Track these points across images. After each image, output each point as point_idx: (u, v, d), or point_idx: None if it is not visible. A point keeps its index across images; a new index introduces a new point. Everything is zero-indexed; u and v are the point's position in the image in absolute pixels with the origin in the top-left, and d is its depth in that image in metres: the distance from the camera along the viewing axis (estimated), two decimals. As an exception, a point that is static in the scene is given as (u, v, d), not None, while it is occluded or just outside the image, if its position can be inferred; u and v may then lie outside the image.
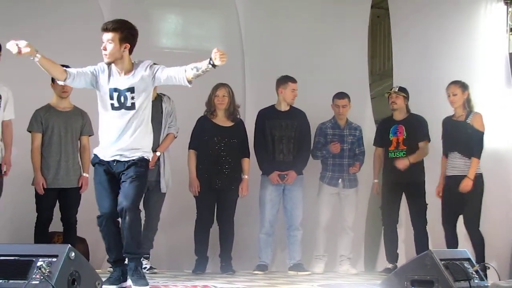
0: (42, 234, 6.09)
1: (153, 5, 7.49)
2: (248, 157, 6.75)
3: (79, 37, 6.91)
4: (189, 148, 6.62)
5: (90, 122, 6.28)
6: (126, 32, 4.69)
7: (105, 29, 4.65)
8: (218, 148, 6.54)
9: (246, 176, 6.70)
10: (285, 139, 6.80)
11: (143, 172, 4.81)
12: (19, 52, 4.29)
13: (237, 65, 7.65)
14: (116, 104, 4.70)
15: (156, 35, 7.66)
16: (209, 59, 4.51)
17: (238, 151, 6.66)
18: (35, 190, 6.14)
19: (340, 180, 6.96)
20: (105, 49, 4.65)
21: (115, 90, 4.70)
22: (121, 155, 4.75)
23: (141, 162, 4.80)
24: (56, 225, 6.29)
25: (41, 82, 6.32)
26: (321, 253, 7.01)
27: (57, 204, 6.25)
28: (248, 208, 7.05)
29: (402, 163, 6.70)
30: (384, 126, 7.08)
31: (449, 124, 6.55)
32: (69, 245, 3.78)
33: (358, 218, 7.36)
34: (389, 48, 8.54)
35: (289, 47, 7.75)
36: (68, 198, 6.19)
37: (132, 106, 4.71)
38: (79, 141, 6.30)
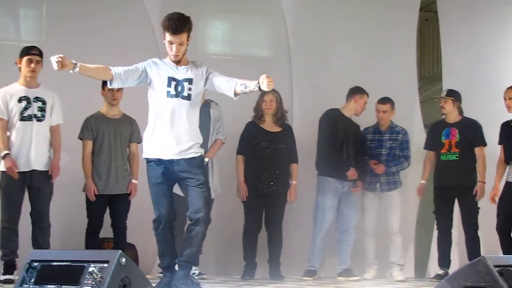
0: (93, 240, 6.14)
1: (200, 11, 7.50)
2: (296, 162, 6.72)
3: (127, 42, 7.01)
4: (237, 153, 6.63)
5: (139, 129, 6.28)
6: (191, 28, 4.76)
7: (175, 31, 4.65)
8: (266, 153, 6.53)
9: (294, 182, 6.67)
10: (350, 143, 6.80)
11: (206, 173, 4.90)
12: (61, 67, 4.36)
13: (284, 71, 7.62)
14: (173, 92, 4.73)
15: (203, 41, 7.68)
16: (257, 81, 4.56)
17: (286, 157, 6.64)
18: (86, 197, 6.18)
19: (378, 185, 6.88)
20: (177, 50, 4.69)
21: (174, 79, 4.75)
22: (179, 152, 4.75)
23: (201, 162, 4.87)
24: (106, 231, 6.33)
25: (92, 89, 6.41)
26: (370, 259, 6.95)
27: (107, 210, 6.29)
28: (296, 213, 7.02)
29: (481, 192, 6.63)
30: (436, 128, 6.99)
31: (510, 129, 6.49)
32: (120, 251, 3.80)
33: (408, 222, 7.27)
34: (438, 51, 8.44)
35: (337, 52, 7.73)
36: (118, 204, 6.22)
37: (188, 97, 4.76)
38: (128, 148, 6.33)
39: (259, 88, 4.58)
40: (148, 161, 4.91)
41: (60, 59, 4.34)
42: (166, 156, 4.79)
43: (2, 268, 5.66)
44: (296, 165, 6.71)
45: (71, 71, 4.42)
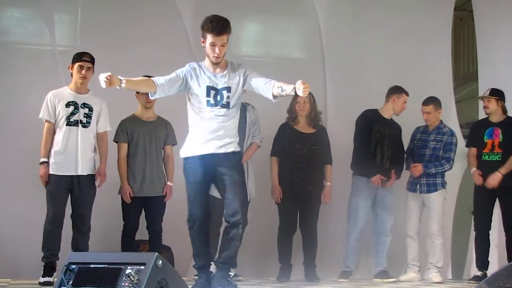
0: (128, 242, 6.18)
1: (233, 13, 7.35)
2: (331, 163, 6.71)
3: (161, 46, 7.08)
4: (271, 155, 6.63)
5: (174, 132, 6.35)
6: (231, 30, 4.81)
7: (219, 32, 4.70)
8: (300, 155, 6.51)
9: (328, 183, 6.67)
10: (386, 145, 6.78)
11: (243, 174, 4.94)
12: (109, 85, 4.41)
13: (318, 72, 7.62)
14: (212, 101, 4.78)
15: (236, 43, 7.49)
16: (293, 86, 4.57)
17: (320, 158, 6.62)
18: (122, 199, 6.22)
19: (418, 186, 6.83)
20: (220, 51, 4.73)
21: (213, 88, 4.79)
22: (219, 146, 4.80)
23: (240, 161, 4.94)
24: (141, 234, 6.37)
25: (126, 92, 6.23)
26: (410, 261, 6.89)
27: (143, 213, 6.31)
28: (331, 215, 7.01)
29: (493, 180, 6.55)
30: (479, 128, 6.91)
31: None
32: (157, 253, 3.80)
33: (444, 223, 7.15)
34: (474, 50, 8.41)
35: (371, 52, 7.69)
36: (154, 207, 6.23)
37: (227, 104, 4.80)
38: (162, 151, 6.34)
39: (295, 93, 4.59)
40: (186, 159, 4.91)
41: (108, 78, 4.40)
42: (205, 151, 4.81)
43: (42, 269, 5.72)
44: (330, 167, 6.70)
45: (117, 87, 4.49)
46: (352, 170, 6.84)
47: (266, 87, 4.76)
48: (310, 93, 6.25)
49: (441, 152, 6.82)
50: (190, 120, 4.91)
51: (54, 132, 5.80)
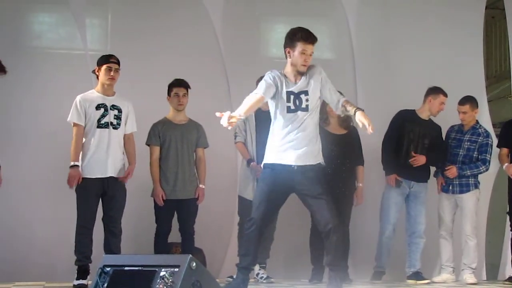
0: (162, 245, 6.22)
1: (262, 15, 7.58)
2: (363, 164, 6.69)
3: (190, 49, 7.20)
4: None
5: (205, 134, 6.42)
6: None
7: (312, 41, 4.95)
8: (332, 156, 6.43)
9: (361, 184, 6.65)
10: (420, 147, 6.73)
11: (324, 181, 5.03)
12: (231, 124, 4.57)
13: (348, 73, 7.65)
14: (292, 107, 4.93)
15: (266, 45, 7.77)
16: (356, 110, 4.87)
17: (352, 159, 6.60)
18: (154, 202, 6.26)
19: (450, 186, 6.78)
20: (309, 60, 4.96)
21: (291, 93, 4.95)
22: (299, 159, 4.89)
23: (319, 172, 4.99)
24: (174, 236, 6.40)
25: (158, 95, 6.57)
26: (443, 262, 6.84)
27: (175, 215, 6.36)
28: (363, 216, 7.02)
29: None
30: (510, 127, 6.89)
31: None
32: (190, 255, 3.80)
33: (478, 224, 7.07)
34: (506, 49, 8.35)
35: (401, 52, 7.68)
36: (186, 209, 6.29)
37: (306, 108, 4.94)
38: (194, 153, 6.39)
39: (355, 114, 4.87)
40: (266, 166, 5.02)
41: (229, 118, 4.55)
42: (288, 161, 4.93)
43: (76, 273, 5.75)
44: (362, 168, 6.68)
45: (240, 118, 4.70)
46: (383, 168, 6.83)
47: (334, 102, 5.02)
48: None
49: (475, 153, 6.76)
50: (276, 125, 5.01)
51: (83, 136, 5.83)
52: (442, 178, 6.84)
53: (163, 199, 6.20)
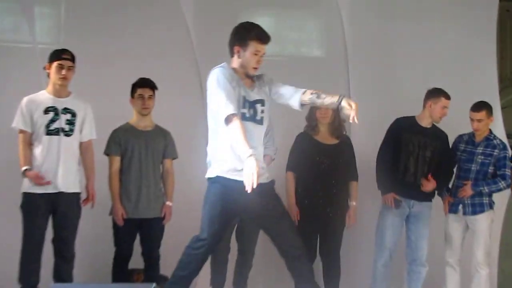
0: (121, 271, 6.17)
1: (242, 6, 7.51)
2: (356, 180, 6.66)
3: (157, 40, 7.18)
4: (287, 169, 6.57)
5: (174, 143, 6.38)
6: None
7: (266, 40, 4.95)
8: (321, 170, 6.47)
9: (354, 203, 6.61)
10: (421, 159, 6.70)
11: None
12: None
13: (341, 73, 7.62)
14: (247, 115, 4.93)
15: None
16: (338, 99, 4.82)
17: (344, 173, 6.59)
18: (113, 221, 6.21)
19: (460, 206, 6.75)
20: (260, 61, 4.96)
21: (246, 100, 4.95)
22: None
23: (274, 190, 5.07)
24: (136, 262, 6.37)
25: (119, 97, 6.51)
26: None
27: (138, 237, 6.34)
28: (356, 239, 7.07)
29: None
30: None
31: None
32: (154, 284, 3.81)
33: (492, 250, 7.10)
34: (523, 47, 8.25)
35: (403, 51, 7.65)
36: (150, 230, 6.25)
37: (261, 121, 5.00)
38: (161, 166, 6.34)
39: (339, 105, 4.83)
40: (216, 181, 4.99)
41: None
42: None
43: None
44: (356, 184, 6.66)
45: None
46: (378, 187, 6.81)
47: (294, 95, 4.96)
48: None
49: (490, 168, 6.74)
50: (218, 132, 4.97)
51: (31, 144, 5.79)
52: (449, 196, 6.82)
53: (123, 218, 6.17)
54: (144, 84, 6.29)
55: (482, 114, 6.71)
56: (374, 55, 7.69)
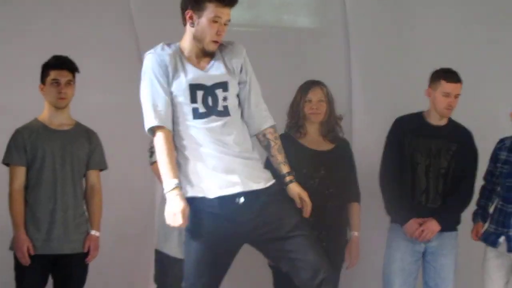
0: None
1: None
2: (359, 201, 6.40)
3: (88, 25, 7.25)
4: None
5: (102, 148, 6.24)
6: None
7: (231, 3, 4.78)
8: (310, 187, 5.93)
9: (356, 233, 6.36)
10: (434, 171, 6.40)
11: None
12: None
13: (338, 52, 7.54)
14: (202, 110, 4.77)
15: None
16: (288, 180, 4.93)
17: (342, 192, 6.27)
18: (15, 259, 5.94)
19: (502, 238, 6.42)
20: (223, 31, 4.81)
21: (198, 86, 4.79)
22: (244, 183, 4.78)
23: (280, 195, 4.94)
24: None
25: (25, 84, 6.44)
26: None
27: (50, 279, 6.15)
28: (360, 279, 7.05)
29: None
30: None
31: None
32: None
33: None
34: None
35: (419, 30, 7.51)
36: (68, 272, 6.02)
37: (226, 111, 4.83)
38: (84, 179, 6.16)
39: (283, 180, 4.92)
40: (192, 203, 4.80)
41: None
42: (227, 191, 4.76)
43: None
44: (357, 206, 6.40)
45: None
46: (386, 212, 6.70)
47: (258, 120, 4.96)
48: (325, 87, 6.33)
49: None
50: (176, 142, 4.88)
51: None
52: (481, 224, 6.61)
53: (29, 255, 5.85)
54: (60, 64, 6.05)
55: None
56: (383, 26, 7.57)
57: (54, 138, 5.97)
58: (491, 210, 6.65)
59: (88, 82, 6.27)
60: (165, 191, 4.48)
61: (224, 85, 4.82)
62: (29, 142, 5.92)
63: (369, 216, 6.58)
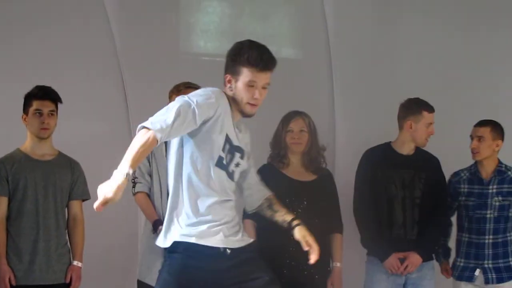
0: None
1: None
2: (341, 232, 6.36)
3: (68, 43, 7.15)
4: (244, 217, 6.08)
5: (85, 178, 6.19)
6: None
7: (266, 66, 4.70)
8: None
9: (338, 264, 6.30)
10: (410, 202, 6.40)
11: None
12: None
13: (322, 82, 7.55)
14: (225, 161, 4.75)
15: (189, 32, 7.70)
16: (293, 221, 4.94)
17: (325, 223, 6.20)
18: None
19: (477, 271, 6.43)
20: (261, 95, 4.75)
21: (228, 142, 4.74)
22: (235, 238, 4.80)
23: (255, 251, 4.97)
24: None
25: (9, 113, 6.48)
26: None
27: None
28: None
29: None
30: None
31: None
32: None
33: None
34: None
35: (406, 55, 7.57)
36: None
37: (232, 175, 4.83)
38: (66, 209, 6.13)
39: (289, 226, 4.94)
40: (176, 250, 4.75)
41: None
42: (215, 242, 4.72)
43: None
44: (340, 237, 6.36)
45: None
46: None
47: (256, 192, 5.05)
48: (308, 117, 6.32)
49: (511, 211, 6.53)
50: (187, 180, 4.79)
51: None
52: (447, 262, 6.66)
53: (11, 285, 5.87)
54: (42, 95, 6.02)
55: (485, 130, 6.49)
56: (367, 58, 7.59)
57: (36, 169, 5.95)
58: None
59: (70, 112, 6.25)
60: (116, 171, 4.21)
61: (242, 152, 4.84)
62: (11, 173, 5.91)
63: (351, 247, 6.52)
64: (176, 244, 4.67)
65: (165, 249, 4.78)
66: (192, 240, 4.65)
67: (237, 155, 4.80)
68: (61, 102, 6.03)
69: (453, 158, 6.80)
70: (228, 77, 4.71)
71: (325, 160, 6.43)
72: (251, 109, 4.74)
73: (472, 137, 6.52)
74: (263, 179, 5.87)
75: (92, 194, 6.11)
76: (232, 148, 4.76)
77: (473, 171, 6.55)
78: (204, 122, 4.56)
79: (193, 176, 4.65)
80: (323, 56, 7.56)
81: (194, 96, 4.54)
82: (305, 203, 6.11)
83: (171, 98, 6.18)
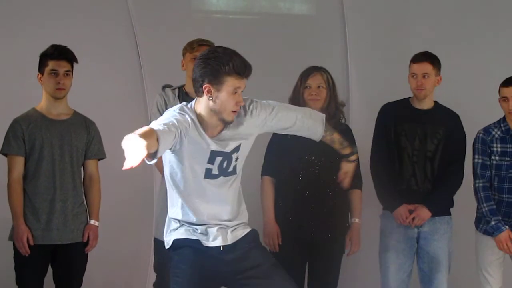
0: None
1: None
2: (360, 187, 6.33)
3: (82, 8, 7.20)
4: (263, 173, 6.29)
5: (100, 137, 6.19)
6: None
7: (248, 73, 4.71)
8: (311, 174, 6.11)
9: (357, 220, 6.28)
10: (420, 155, 6.36)
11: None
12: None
13: (336, 39, 7.51)
14: (215, 171, 4.82)
15: None
16: (352, 152, 5.21)
17: None
18: (15, 249, 5.91)
19: (507, 227, 6.32)
20: (241, 101, 4.76)
21: (219, 153, 4.80)
22: (226, 226, 4.88)
23: (257, 240, 5.03)
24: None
25: (23, 73, 6.56)
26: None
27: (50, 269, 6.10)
28: (359, 269, 7.11)
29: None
30: None
31: None
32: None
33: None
34: None
35: (422, 13, 7.47)
36: (68, 261, 5.98)
37: (234, 170, 4.89)
38: (82, 169, 6.13)
39: (348, 156, 5.19)
40: (178, 246, 4.88)
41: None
42: (212, 242, 4.84)
43: None
44: (359, 193, 6.34)
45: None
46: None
47: (312, 127, 5.06)
48: (327, 72, 6.27)
49: None
50: (171, 193, 4.92)
51: None
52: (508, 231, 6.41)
53: (29, 245, 5.82)
54: (58, 54, 5.97)
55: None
56: (382, 15, 7.55)
57: (52, 128, 5.95)
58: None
59: (86, 71, 6.24)
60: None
61: (238, 148, 4.83)
62: (27, 132, 5.90)
63: (370, 203, 6.53)
64: (177, 241, 4.78)
65: (168, 249, 4.87)
66: (193, 238, 4.76)
67: (233, 155, 4.82)
68: (76, 62, 6.02)
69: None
70: (208, 87, 4.64)
71: (344, 115, 6.43)
72: (233, 116, 4.76)
73: (506, 99, 6.34)
74: (279, 138, 6.08)
75: (108, 153, 6.20)
76: (221, 153, 4.78)
77: (504, 126, 6.43)
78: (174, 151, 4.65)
79: (185, 185, 4.72)
80: (336, 11, 7.51)
81: (171, 114, 4.59)
82: (324, 159, 6.08)
83: (184, 56, 6.20)
